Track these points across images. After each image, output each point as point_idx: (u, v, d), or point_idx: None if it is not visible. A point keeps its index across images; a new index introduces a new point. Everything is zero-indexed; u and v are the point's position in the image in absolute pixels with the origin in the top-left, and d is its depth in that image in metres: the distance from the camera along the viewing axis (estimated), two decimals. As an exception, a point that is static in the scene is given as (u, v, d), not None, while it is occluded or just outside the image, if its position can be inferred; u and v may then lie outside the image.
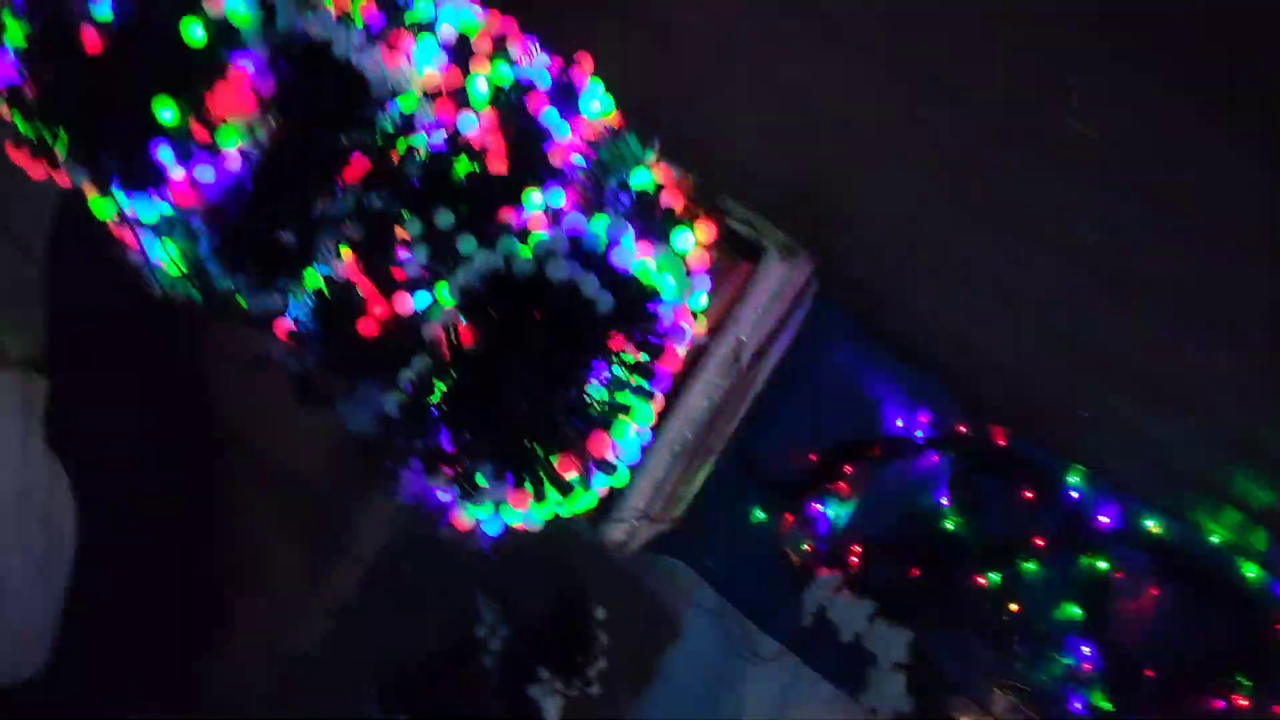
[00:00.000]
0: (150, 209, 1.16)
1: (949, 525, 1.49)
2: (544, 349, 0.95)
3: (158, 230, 1.21)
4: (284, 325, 1.21)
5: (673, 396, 1.37)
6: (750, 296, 1.33)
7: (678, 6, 1.72)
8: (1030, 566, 1.44)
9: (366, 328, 1.13)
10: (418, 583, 1.74)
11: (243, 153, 1.12)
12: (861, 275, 1.58)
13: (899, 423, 1.53)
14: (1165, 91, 1.43)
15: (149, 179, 1.12)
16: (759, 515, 1.58)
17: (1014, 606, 1.45)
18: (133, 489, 1.65)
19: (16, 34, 1.10)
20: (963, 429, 1.49)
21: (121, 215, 1.18)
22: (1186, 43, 1.43)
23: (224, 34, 1.08)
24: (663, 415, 1.37)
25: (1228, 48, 1.41)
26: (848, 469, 1.53)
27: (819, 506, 1.55)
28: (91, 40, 1.07)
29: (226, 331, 1.43)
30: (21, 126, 1.13)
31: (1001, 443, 1.48)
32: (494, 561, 1.31)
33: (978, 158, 1.54)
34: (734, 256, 1.29)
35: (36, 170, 1.15)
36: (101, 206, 1.16)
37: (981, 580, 1.46)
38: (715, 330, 1.34)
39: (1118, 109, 1.46)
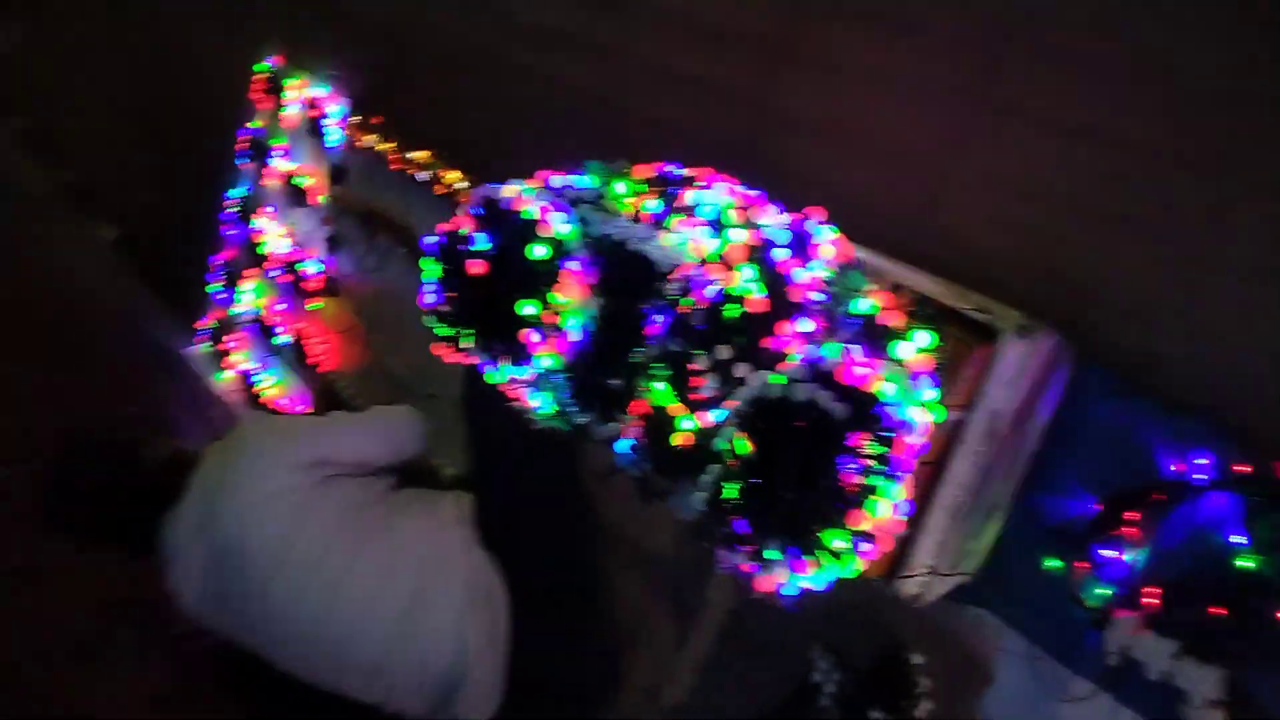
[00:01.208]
0: (526, 373, 1.62)
1: (1248, 563, 1.51)
2: (799, 451, 1.24)
3: (533, 385, 1.69)
4: (625, 444, 1.60)
5: (941, 466, 1.58)
6: (994, 374, 1.52)
7: (902, 132, 1.96)
8: (1341, 599, 1.43)
9: (680, 440, 1.49)
10: (761, 638, 2.04)
11: (581, 327, 1.55)
12: (1118, 338, 1.67)
13: (1177, 468, 1.59)
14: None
15: (523, 354, 1.57)
16: (1052, 563, 1.69)
17: (1329, 640, 1.44)
18: (540, 573, 2.10)
19: (434, 270, 1.63)
20: (1243, 468, 1.52)
21: (509, 379, 1.66)
22: None
23: (557, 247, 1.53)
24: (933, 482, 1.59)
25: None
26: (1132, 515, 1.61)
27: (1109, 552, 1.63)
28: (477, 267, 1.56)
29: (590, 450, 1.85)
30: (439, 330, 1.65)
31: (1289, 477, 1.49)
32: (821, 616, 1.55)
33: (1212, 215, 1.58)
34: (972, 342, 1.49)
35: (452, 357, 1.66)
36: (494, 375, 1.64)
37: (1289, 615, 1.47)
38: (968, 406, 1.54)
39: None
